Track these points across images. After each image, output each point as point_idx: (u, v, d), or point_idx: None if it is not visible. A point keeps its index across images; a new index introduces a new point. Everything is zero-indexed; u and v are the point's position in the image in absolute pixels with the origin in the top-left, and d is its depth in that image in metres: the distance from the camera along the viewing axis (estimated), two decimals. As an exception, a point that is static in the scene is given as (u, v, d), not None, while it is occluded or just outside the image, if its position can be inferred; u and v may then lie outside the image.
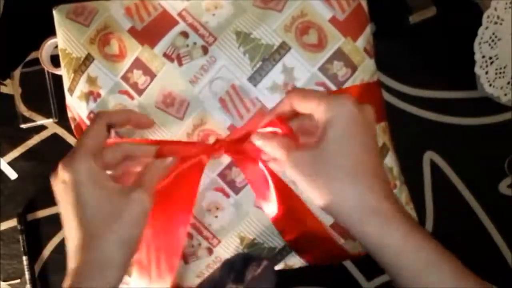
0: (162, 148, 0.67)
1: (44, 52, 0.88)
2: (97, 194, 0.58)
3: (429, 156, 0.88)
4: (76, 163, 0.59)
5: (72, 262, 0.59)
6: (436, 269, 0.54)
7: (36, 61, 0.89)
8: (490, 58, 0.83)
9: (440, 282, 0.53)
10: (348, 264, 0.88)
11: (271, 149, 0.62)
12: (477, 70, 0.82)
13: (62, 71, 0.76)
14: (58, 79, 0.80)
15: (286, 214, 0.70)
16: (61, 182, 0.59)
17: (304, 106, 0.60)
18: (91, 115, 0.73)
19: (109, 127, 0.64)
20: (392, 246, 0.54)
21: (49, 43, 0.87)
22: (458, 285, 0.53)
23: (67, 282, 0.58)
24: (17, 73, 0.91)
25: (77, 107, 0.74)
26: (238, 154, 0.69)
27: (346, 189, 0.55)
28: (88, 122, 0.74)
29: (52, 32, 0.77)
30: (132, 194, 0.60)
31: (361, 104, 0.58)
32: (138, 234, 0.60)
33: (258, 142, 0.65)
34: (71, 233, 0.59)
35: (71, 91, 0.75)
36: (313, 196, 0.58)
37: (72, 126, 0.77)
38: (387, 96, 0.88)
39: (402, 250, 0.54)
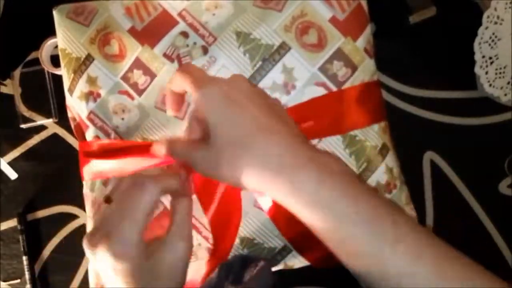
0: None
1: (44, 52, 0.87)
2: (145, 269, 0.55)
3: (429, 156, 0.88)
4: (127, 244, 0.54)
5: None
6: (352, 224, 0.49)
7: (36, 61, 0.89)
8: (490, 58, 0.83)
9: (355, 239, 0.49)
10: (348, 264, 0.88)
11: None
12: (477, 70, 0.82)
13: (62, 71, 0.76)
14: (58, 79, 0.80)
15: (284, 210, 0.70)
16: (108, 258, 0.54)
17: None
18: (91, 116, 0.74)
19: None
20: (303, 198, 0.50)
21: (49, 43, 0.87)
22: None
23: None
24: (17, 73, 0.91)
25: (77, 107, 0.75)
26: None
27: (243, 167, 0.51)
28: (88, 122, 0.74)
29: (52, 32, 0.77)
30: (167, 252, 0.56)
31: (226, 80, 0.54)
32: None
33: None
34: None
35: (71, 91, 0.75)
36: (234, 183, 0.53)
37: (72, 126, 0.77)
38: (387, 96, 0.88)
39: (314, 201, 0.49)
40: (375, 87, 0.74)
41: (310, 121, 0.70)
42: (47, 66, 0.88)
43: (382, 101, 0.77)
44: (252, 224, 0.72)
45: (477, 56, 0.82)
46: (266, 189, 0.52)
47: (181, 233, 0.57)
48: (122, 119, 0.72)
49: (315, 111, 0.70)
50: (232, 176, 0.52)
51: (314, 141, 0.70)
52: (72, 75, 0.74)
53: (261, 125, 0.52)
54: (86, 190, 0.76)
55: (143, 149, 0.70)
